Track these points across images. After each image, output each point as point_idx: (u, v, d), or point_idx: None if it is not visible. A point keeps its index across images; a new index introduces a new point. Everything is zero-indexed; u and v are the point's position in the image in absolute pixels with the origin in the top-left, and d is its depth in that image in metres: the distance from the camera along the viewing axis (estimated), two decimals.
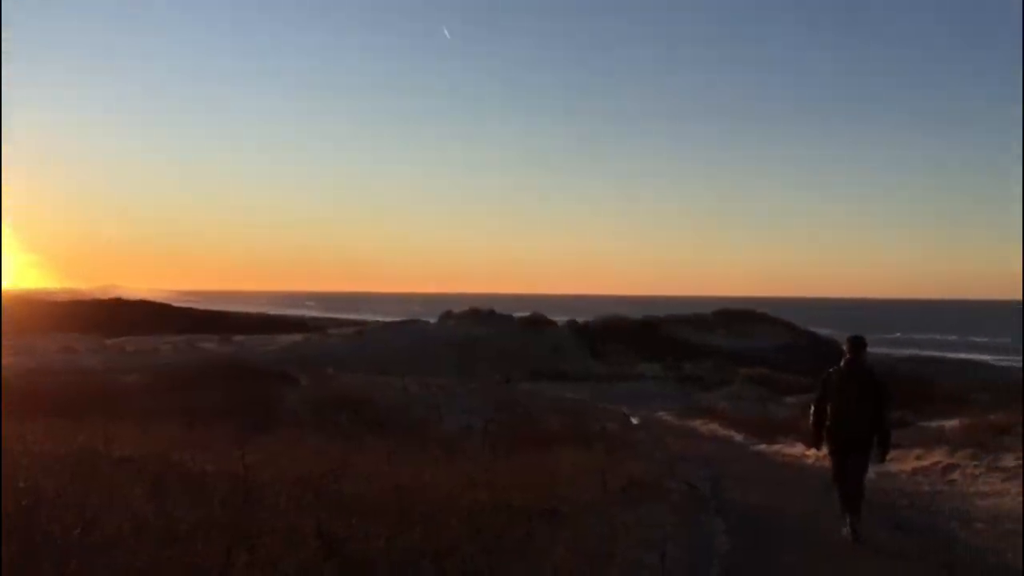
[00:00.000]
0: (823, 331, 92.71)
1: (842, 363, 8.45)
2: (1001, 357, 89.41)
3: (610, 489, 8.92)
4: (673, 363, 64.03)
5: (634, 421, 25.13)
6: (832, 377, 8.42)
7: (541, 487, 8.27)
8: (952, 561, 7.92)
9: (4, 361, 25.35)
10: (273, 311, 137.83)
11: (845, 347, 8.60)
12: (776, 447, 19.50)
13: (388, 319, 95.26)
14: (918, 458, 15.07)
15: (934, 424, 17.55)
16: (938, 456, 14.71)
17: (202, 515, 5.49)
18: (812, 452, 17.51)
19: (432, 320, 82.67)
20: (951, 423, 16.80)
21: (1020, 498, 11.20)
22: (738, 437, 23.52)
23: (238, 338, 63.82)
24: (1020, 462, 12.84)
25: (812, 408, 8.64)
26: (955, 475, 13.51)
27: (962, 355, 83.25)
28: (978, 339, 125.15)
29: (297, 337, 68.27)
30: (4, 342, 40.03)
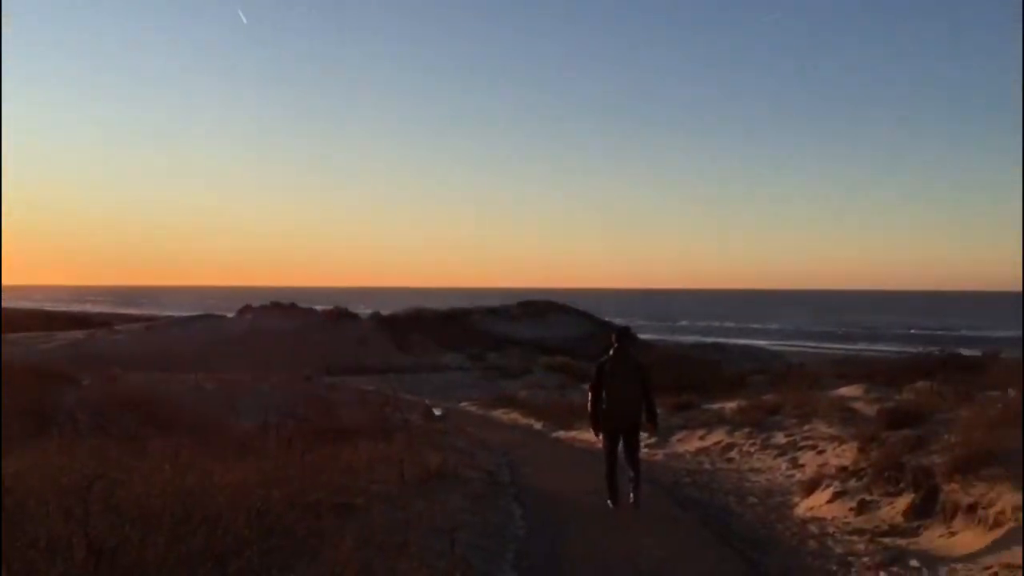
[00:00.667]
0: (619, 320, 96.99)
1: (611, 352, 9.31)
2: (774, 342, 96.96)
3: (407, 480, 8.92)
4: (478, 353, 64.87)
5: (437, 412, 25.20)
6: (604, 366, 9.31)
7: (337, 481, 8.14)
8: (726, 532, 8.50)
9: None
10: (51, 307, 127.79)
11: (613, 338, 9.56)
12: (573, 433, 20.16)
13: (181, 313, 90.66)
14: (701, 438, 16.06)
15: (716, 406, 18.68)
16: (719, 436, 15.74)
17: None
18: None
19: (230, 314, 79.52)
20: (731, 405, 17.95)
21: (789, 473, 12.19)
22: (538, 425, 24.13)
23: (10, 336, 58.75)
24: (789, 440, 13.97)
25: (589, 396, 9.44)
26: (733, 453, 14.50)
27: (742, 341, 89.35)
28: (755, 325, 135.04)
29: (79, 334, 63.67)
30: None
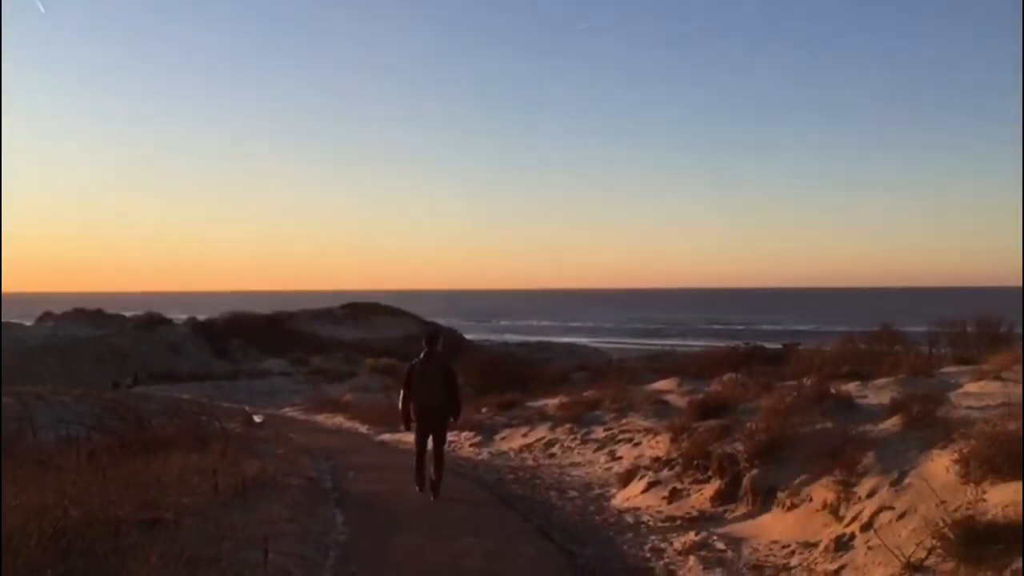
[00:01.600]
0: (444, 321, 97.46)
1: (422, 355, 10.30)
2: (595, 339, 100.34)
3: (222, 491, 8.58)
4: (301, 358, 63.42)
5: (257, 419, 24.48)
6: (415, 367, 10.30)
7: (144, 496, 7.71)
8: (547, 526, 8.69)
9: None
10: None
11: (423, 342, 10.50)
12: (399, 435, 20.05)
13: None
14: (524, 436, 16.36)
15: (539, 404, 19.10)
16: (542, 432, 16.08)
17: None
18: None
19: (28, 322, 74.05)
20: (553, 401, 18.39)
21: (607, 466, 12.62)
22: (363, 428, 23.87)
23: None
24: (608, 433, 14.46)
25: (400, 394, 10.44)
26: (555, 449, 14.86)
27: (565, 339, 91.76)
28: (573, 324, 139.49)
29: None
30: None
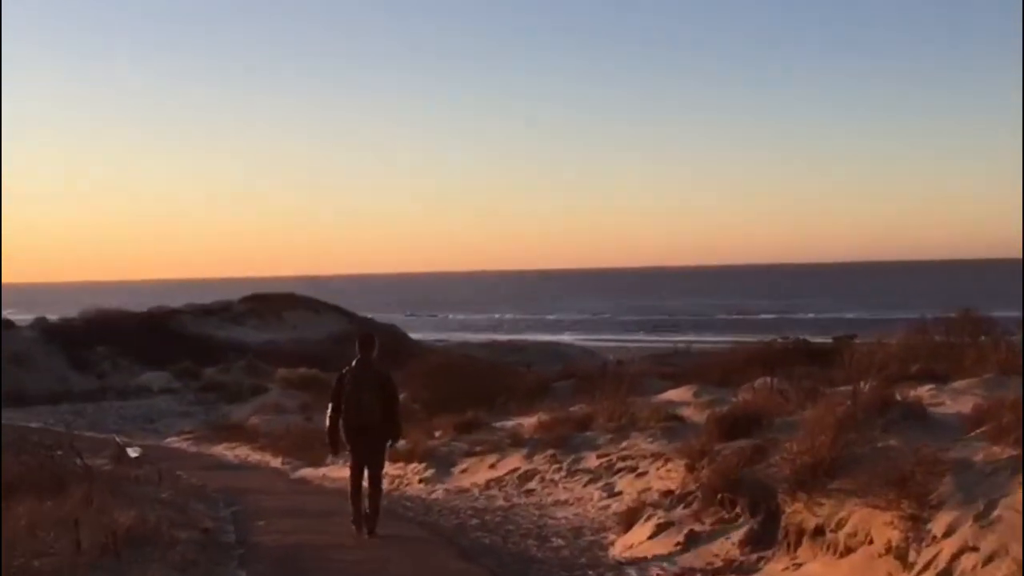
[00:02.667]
0: (381, 317, 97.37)
1: (354, 362, 10.97)
2: (583, 336, 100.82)
3: (86, 548, 8.55)
4: (190, 369, 63.02)
5: (132, 453, 24.32)
6: (346, 378, 10.91)
7: None
8: None
9: None
10: None
11: (356, 346, 11.19)
12: (323, 470, 20.10)
13: None
14: (492, 466, 16.46)
15: (511, 423, 19.19)
16: (515, 462, 16.17)
17: None
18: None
19: None
20: (530, 420, 18.47)
21: (603, 504, 12.71)
22: (275, 461, 23.88)
23: None
24: (603, 461, 14.56)
25: (328, 411, 11.08)
26: (533, 483, 14.96)
27: (544, 337, 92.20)
28: (555, 316, 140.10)
29: None
30: None
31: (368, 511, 10.96)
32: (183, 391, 58.09)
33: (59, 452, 18.92)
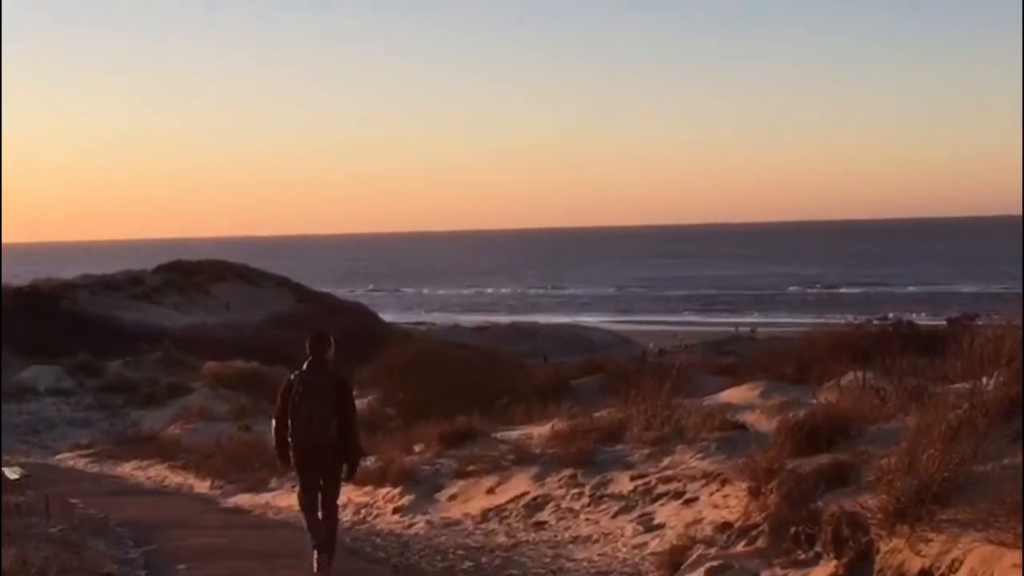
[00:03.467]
0: (341, 292, 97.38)
1: (305, 365, 11.78)
2: (610, 317, 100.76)
3: None
4: (87, 362, 63.11)
5: (11, 475, 24.47)
6: (294, 383, 11.67)
7: None
8: None
9: None
10: None
11: (307, 346, 12.00)
12: (266, 496, 20.16)
13: None
14: (491, 491, 16.48)
15: (516, 433, 19.19)
16: (521, 485, 16.19)
17: None
18: None
19: None
20: (541, 429, 18.48)
21: (639, 541, 12.74)
22: (202, 485, 23.93)
23: None
24: (639, 484, 14.58)
25: (273, 422, 11.94)
26: (546, 514, 14.98)
27: (559, 318, 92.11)
28: (574, 290, 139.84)
29: None
30: None
31: (326, 535, 11.59)
32: (78, 392, 58.16)
33: None
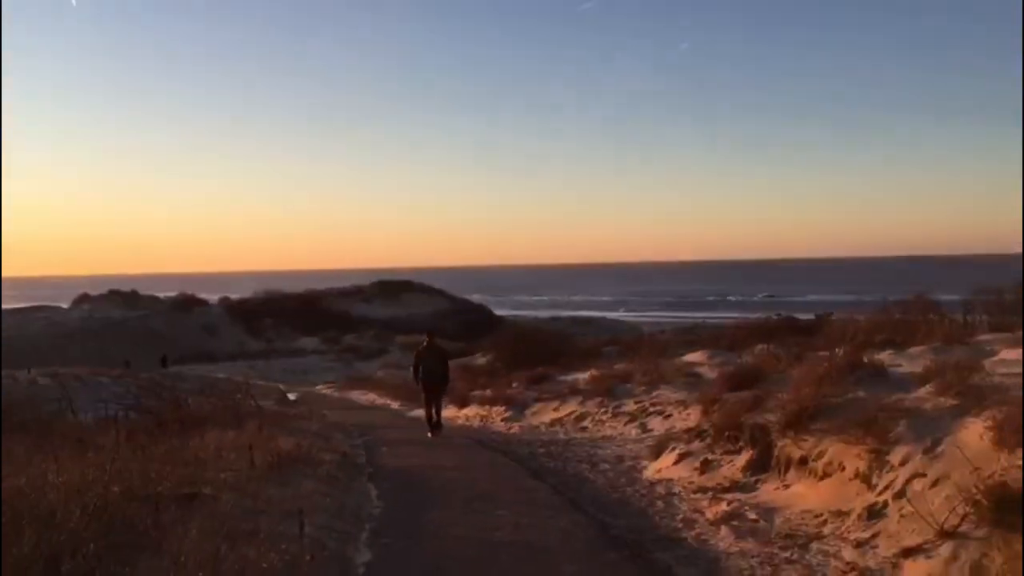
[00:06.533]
0: (475, 298, 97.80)
1: (424, 344, 15.28)
2: (625, 313, 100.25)
3: (258, 466, 8.72)
4: (333, 336, 63.94)
5: (291, 397, 24.81)
6: (421, 352, 15.19)
7: (182, 472, 7.87)
8: (579, 499, 8.75)
9: None
10: None
11: (426, 335, 15.73)
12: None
13: (10, 306, 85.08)
14: (555, 410, 16.44)
15: (570, 378, 19.15)
16: (572, 407, 16.15)
17: None
18: (463, 413, 18.68)
19: (64, 305, 75.28)
20: (584, 376, 18.43)
21: (639, 438, 12.65)
22: (395, 404, 24.09)
23: None
24: (639, 406, 14.48)
25: (412, 370, 15.43)
26: (586, 422, 14.93)
27: (595, 313, 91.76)
28: (604, 298, 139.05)
29: None
30: None
31: (436, 422, 14.73)
32: (327, 352, 58.90)
33: (238, 395, 19.33)
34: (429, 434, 14.47)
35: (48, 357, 44.52)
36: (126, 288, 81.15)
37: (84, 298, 77.54)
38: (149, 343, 60.79)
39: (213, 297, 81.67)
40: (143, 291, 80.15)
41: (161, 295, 79.45)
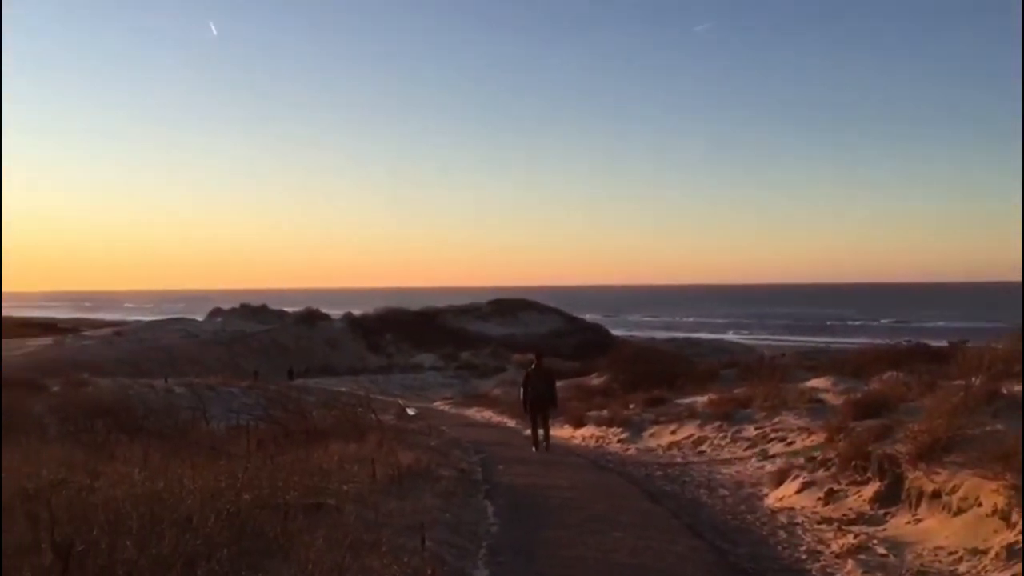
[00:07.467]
0: (590, 317, 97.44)
1: (533, 366, 16.09)
2: (742, 335, 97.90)
3: (380, 479, 8.92)
4: (450, 352, 64.83)
5: (410, 411, 25.18)
6: (530, 373, 15.88)
7: (308, 483, 8.12)
8: (697, 524, 8.58)
9: None
10: (16, 312, 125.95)
11: (533, 356, 16.70)
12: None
13: (149, 318, 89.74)
14: (673, 433, 16.18)
15: (688, 400, 18.84)
16: (690, 429, 15.87)
17: None
18: (579, 433, 18.60)
19: (199, 318, 78.92)
20: (702, 399, 18.10)
21: (759, 464, 12.32)
22: (511, 422, 24.17)
23: None
24: (759, 432, 14.11)
25: (520, 391, 16.12)
26: (704, 446, 14.64)
27: (712, 335, 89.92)
28: (718, 320, 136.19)
29: (47, 340, 62.84)
30: None
31: (544, 442, 15.45)
32: (445, 368, 59.76)
33: (359, 409, 19.79)
34: (533, 448, 15.42)
35: (183, 367, 46.77)
36: (256, 302, 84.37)
37: (217, 311, 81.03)
38: (276, 355, 63.08)
39: (336, 312, 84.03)
40: (272, 306, 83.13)
41: (288, 309, 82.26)
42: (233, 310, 79.91)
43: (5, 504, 6.19)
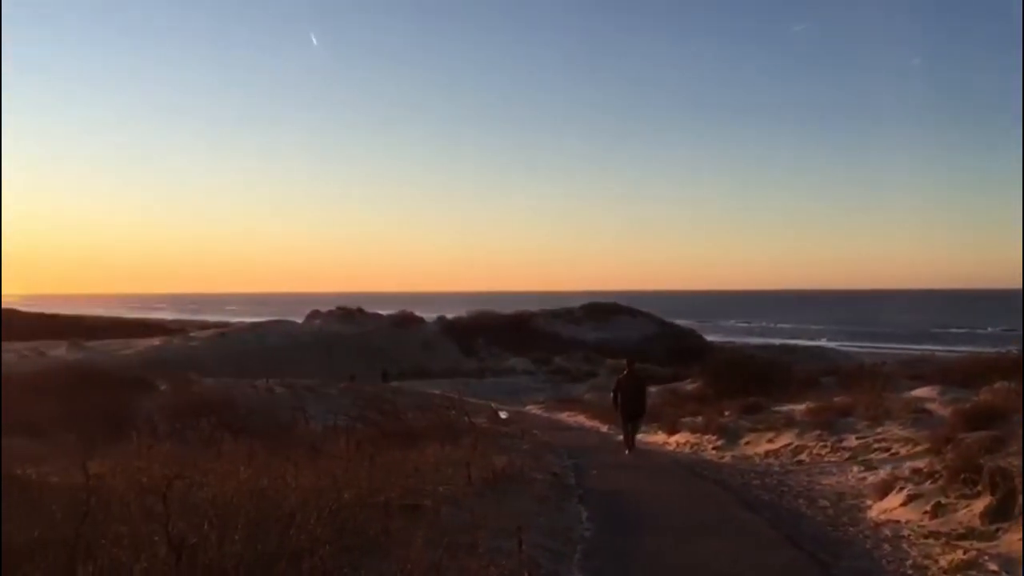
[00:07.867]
0: (683, 322, 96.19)
1: (624, 372, 16.66)
2: (844, 343, 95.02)
3: (474, 481, 9.00)
4: (543, 357, 64.84)
5: (503, 415, 25.37)
6: (621, 379, 16.49)
7: (405, 483, 8.26)
8: (797, 535, 8.38)
9: None
10: (128, 314, 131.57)
11: (626, 363, 17.24)
12: (638, 435, 20.05)
13: (251, 320, 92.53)
14: (770, 441, 15.84)
15: (785, 408, 18.43)
16: (788, 438, 15.50)
17: (42, 530, 5.24)
18: (673, 440, 18.40)
19: (298, 320, 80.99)
20: (800, 407, 17.69)
21: (861, 476, 11.95)
22: (603, 427, 24.07)
23: (90, 343, 60.58)
24: (861, 442, 13.69)
25: (612, 396, 16.66)
26: (803, 456, 14.27)
27: (809, 342, 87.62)
28: (814, 326, 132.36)
29: (156, 341, 65.45)
30: None
31: (631, 444, 16.12)
32: (537, 373, 59.77)
33: (453, 412, 20.04)
34: (627, 451, 15.91)
35: (283, 368, 48.04)
36: (352, 305, 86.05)
37: (315, 314, 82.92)
38: (372, 357, 64.16)
39: (430, 315, 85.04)
40: (368, 308, 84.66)
41: (384, 312, 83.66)
42: (330, 312, 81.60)
43: (121, 497, 6.48)
